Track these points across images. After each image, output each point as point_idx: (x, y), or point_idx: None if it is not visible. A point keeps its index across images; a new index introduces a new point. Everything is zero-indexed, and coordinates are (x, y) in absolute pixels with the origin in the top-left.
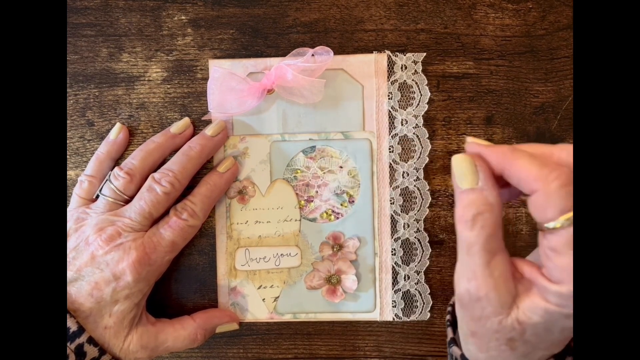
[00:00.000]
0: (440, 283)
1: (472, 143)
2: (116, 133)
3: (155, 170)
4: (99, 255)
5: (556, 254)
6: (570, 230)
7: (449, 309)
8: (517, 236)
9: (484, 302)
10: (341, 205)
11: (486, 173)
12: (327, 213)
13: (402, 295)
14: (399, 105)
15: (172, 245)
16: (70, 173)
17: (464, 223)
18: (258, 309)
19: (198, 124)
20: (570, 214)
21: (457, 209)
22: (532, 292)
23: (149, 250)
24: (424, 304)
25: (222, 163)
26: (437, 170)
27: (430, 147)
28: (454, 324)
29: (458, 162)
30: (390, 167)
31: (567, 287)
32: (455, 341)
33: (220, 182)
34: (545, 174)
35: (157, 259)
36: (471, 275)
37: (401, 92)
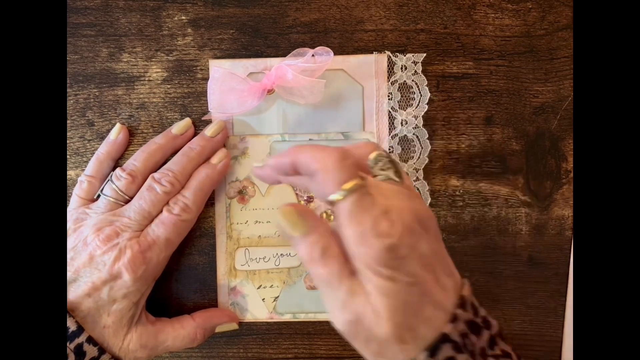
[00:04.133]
0: None
1: (261, 166)
2: (116, 133)
3: (156, 171)
4: (97, 255)
5: (343, 227)
6: (348, 201)
7: None
8: (516, 236)
9: (363, 320)
10: None
11: (309, 213)
12: (327, 213)
13: None
14: (399, 105)
15: (167, 242)
16: (70, 173)
17: (315, 263)
18: (258, 308)
19: (198, 124)
20: (348, 185)
21: (303, 254)
22: (368, 289)
23: (143, 248)
24: None
25: (214, 156)
26: (437, 170)
27: (430, 148)
28: None
29: (284, 217)
30: None
31: (359, 257)
32: None
33: (213, 174)
34: (320, 155)
35: (152, 257)
36: (341, 306)
37: (401, 93)
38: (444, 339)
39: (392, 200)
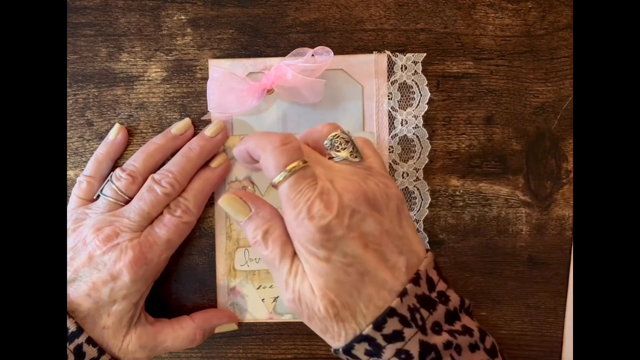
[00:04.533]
0: None
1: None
2: (115, 134)
3: (156, 172)
4: (97, 255)
5: (283, 212)
6: (286, 183)
7: None
8: (517, 236)
9: (303, 300)
10: None
11: (252, 198)
12: None
13: None
14: (399, 105)
15: (168, 243)
16: (70, 173)
17: (259, 246)
18: (257, 309)
19: (197, 124)
20: (288, 167)
21: (248, 237)
22: (305, 269)
23: (145, 249)
24: None
25: (214, 159)
26: (437, 170)
27: (430, 148)
28: None
29: (227, 204)
30: (390, 167)
31: (296, 238)
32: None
33: (213, 177)
34: (263, 141)
35: (153, 258)
36: (284, 285)
37: (401, 93)
38: (391, 312)
39: (336, 181)
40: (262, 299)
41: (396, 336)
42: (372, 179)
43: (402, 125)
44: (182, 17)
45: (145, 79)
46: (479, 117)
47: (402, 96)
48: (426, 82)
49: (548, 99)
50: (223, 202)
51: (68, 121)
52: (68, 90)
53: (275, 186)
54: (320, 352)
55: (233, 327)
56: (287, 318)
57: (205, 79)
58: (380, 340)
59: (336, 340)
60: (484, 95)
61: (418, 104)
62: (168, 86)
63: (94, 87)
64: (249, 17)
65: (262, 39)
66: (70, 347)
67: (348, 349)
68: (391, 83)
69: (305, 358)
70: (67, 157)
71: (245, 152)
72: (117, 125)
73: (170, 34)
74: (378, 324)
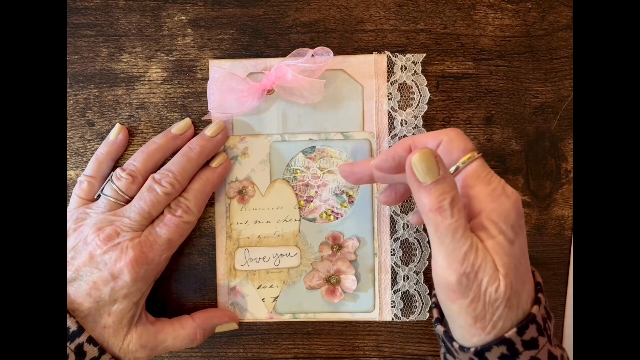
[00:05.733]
0: None
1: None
2: (116, 134)
3: (156, 171)
4: (97, 254)
5: (470, 188)
6: (477, 162)
7: (434, 291)
8: None
9: (480, 276)
10: (341, 205)
11: (442, 161)
12: (326, 213)
13: (402, 295)
14: (399, 105)
15: (169, 242)
16: (70, 173)
17: (443, 212)
18: (257, 308)
19: (198, 124)
20: (473, 152)
21: (430, 202)
22: (488, 246)
23: (145, 249)
24: (423, 304)
25: (214, 159)
26: None
27: None
28: (439, 305)
29: (422, 158)
30: None
31: (488, 213)
32: (440, 321)
33: (213, 177)
34: (441, 131)
35: (154, 258)
36: (462, 258)
37: (401, 93)
38: (532, 319)
39: None
40: (262, 299)
41: (533, 344)
42: None
43: (401, 125)
44: (183, 17)
45: (146, 79)
46: (478, 118)
47: (401, 96)
48: (426, 83)
49: (548, 99)
50: (420, 155)
51: (69, 121)
52: (69, 90)
53: (457, 170)
54: (319, 352)
55: (233, 326)
56: (287, 318)
57: (206, 79)
58: (519, 345)
59: (485, 332)
60: (483, 96)
61: (418, 104)
62: (169, 86)
63: (95, 87)
64: (250, 18)
65: (262, 40)
66: (71, 346)
67: (483, 350)
68: (391, 83)
69: (305, 357)
70: (68, 157)
71: (406, 148)
72: (117, 126)
73: (171, 35)
74: (522, 329)
